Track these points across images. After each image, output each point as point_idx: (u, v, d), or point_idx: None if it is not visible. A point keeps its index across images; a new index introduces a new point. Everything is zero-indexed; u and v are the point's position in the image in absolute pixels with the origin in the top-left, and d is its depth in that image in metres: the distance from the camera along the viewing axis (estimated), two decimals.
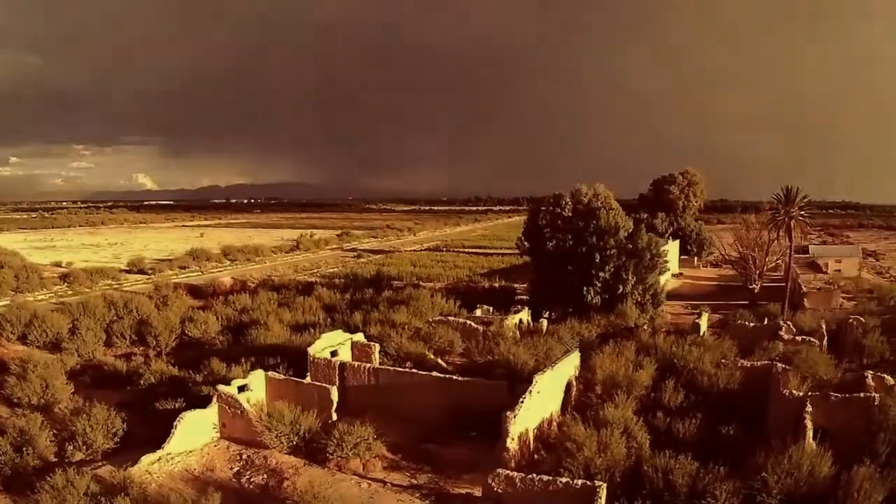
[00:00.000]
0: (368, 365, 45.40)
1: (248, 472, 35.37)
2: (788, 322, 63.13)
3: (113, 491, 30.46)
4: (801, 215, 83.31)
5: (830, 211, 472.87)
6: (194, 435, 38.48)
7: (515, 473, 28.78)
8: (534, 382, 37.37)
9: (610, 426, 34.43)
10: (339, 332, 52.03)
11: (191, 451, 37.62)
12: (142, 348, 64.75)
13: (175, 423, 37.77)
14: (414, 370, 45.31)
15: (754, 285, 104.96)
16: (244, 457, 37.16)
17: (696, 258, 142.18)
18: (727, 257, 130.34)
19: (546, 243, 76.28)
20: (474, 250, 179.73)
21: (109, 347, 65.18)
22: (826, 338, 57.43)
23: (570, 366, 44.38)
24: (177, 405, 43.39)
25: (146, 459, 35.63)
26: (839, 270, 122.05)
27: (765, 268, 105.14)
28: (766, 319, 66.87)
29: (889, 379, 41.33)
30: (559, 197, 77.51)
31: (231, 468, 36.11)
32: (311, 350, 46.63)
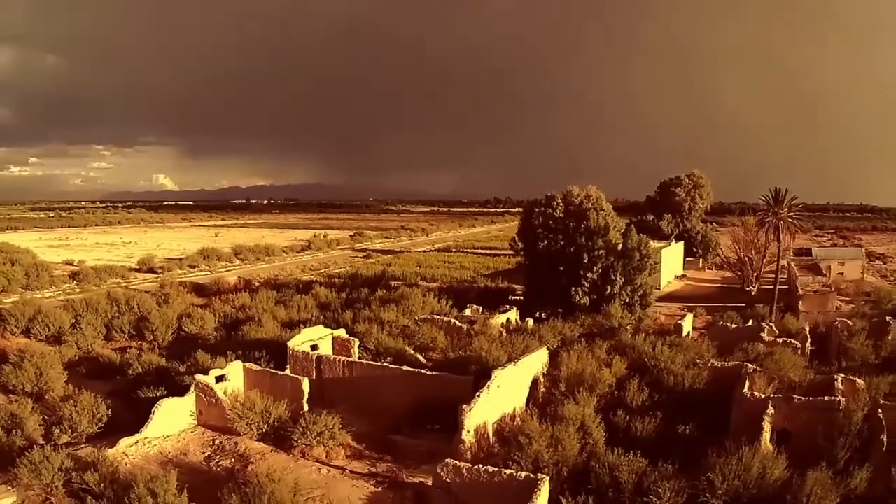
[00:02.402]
0: (343, 358, 47.01)
1: (218, 457, 37.26)
2: (771, 324, 63.41)
3: (85, 467, 32.52)
4: (791, 217, 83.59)
5: (847, 214, 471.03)
6: (172, 421, 40.45)
7: (463, 464, 29.84)
8: (493, 377, 38.44)
9: (565, 422, 35.40)
10: (320, 327, 53.77)
11: (168, 436, 39.60)
12: (139, 343, 67.04)
13: (153, 410, 39.84)
14: (385, 364, 46.95)
15: (751, 287, 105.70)
16: (216, 442, 39.06)
17: (701, 260, 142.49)
18: (725, 259, 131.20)
19: (538, 244, 77.65)
20: (483, 251, 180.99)
21: (109, 342, 67.86)
22: (809, 340, 57.27)
23: (536, 362, 45.48)
24: (158, 393, 45.48)
25: (124, 442, 37.75)
26: (842, 273, 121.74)
27: (762, 270, 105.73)
28: (751, 321, 67.18)
29: (860, 382, 41.18)
30: (551, 198, 78.83)
31: (203, 453, 37.97)
32: (291, 343, 48.44)
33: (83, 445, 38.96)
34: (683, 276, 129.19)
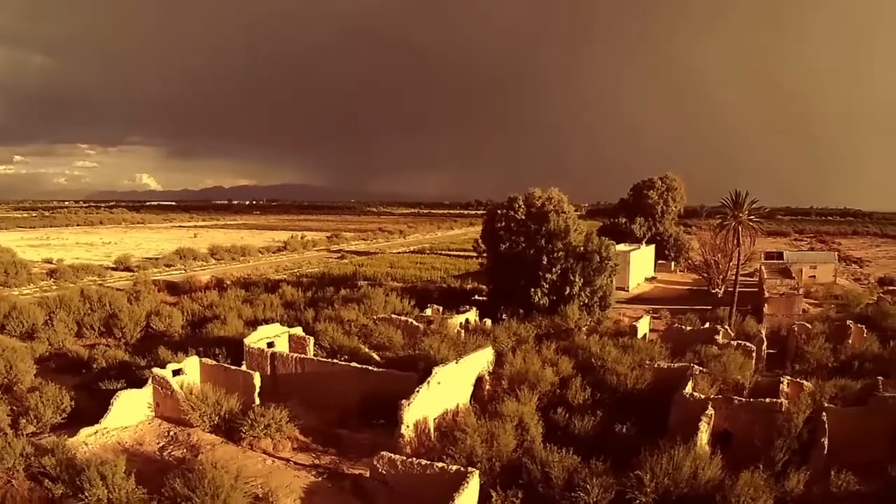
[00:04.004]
0: (295, 355, 48.91)
1: (171, 447, 39.25)
2: (727, 327, 64.85)
3: (44, 453, 34.81)
4: (751, 220, 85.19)
5: (829, 218, 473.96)
6: (130, 412, 42.37)
7: (398, 456, 31.83)
8: (433, 374, 39.93)
9: (502, 419, 37.00)
10: (277, 325, 55.64)
11: (126, 427, 41.48)
12: (109, 339, 68.82)
13: (112, 401, 41.79)
14: (335, 361, 48.44)
15: (717, 290, 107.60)
16: (171, 433, 40.98)
17: (673, 263, 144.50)
18: (691, 262, 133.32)
19: (500, 245, 79.44)
20: (457, 253, 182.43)
21: (80, 338, 69.45)
22: (765, 343, 58.49)
23: (481, 361, 46.94)
24: (118, 386, 47.25)
25: (84, 432, 39.68)
26: (814, 277, 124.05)
27: (728, 272, 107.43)
28: (708, 323, 68.67)
29: (808, 385, 41.85)
30: (513, 200, 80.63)
31: (158, 443, 39.94)
32: (247, 340, 50.44)
33: (47, 435, 40.69)
34: (654, 278, 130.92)
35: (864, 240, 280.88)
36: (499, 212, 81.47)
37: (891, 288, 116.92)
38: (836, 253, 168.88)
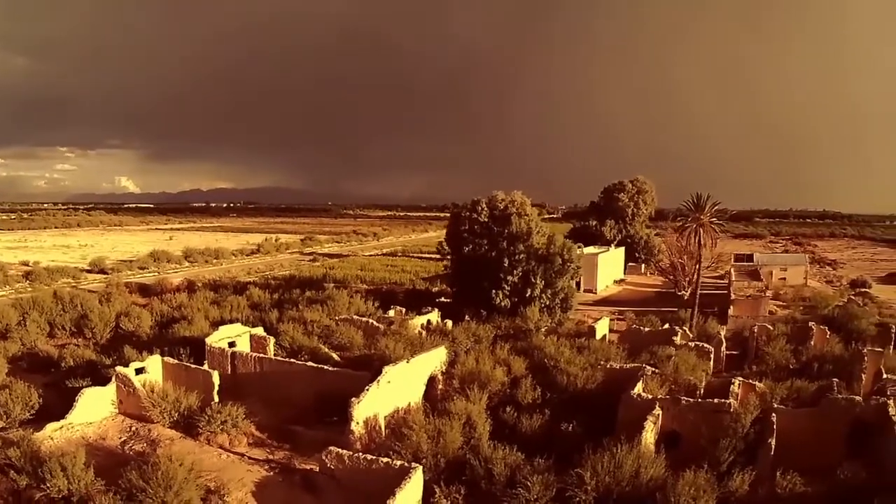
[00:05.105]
0: (254, 354, 50.62)
1: (133, 442, 41.00)
2: (685, 328, 66.05)
3: (9, 446, 36.58)
4: (712, 222, 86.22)
5: (808, 220, 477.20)
6: (94, 409, 44.11)
7: (345, 452, 33.71)
8: (383, 373, 41.52)
9: (450, 417, 38.46)
10: (238, 325, 57.39)
11: (90, 423, 43.22)
12: (80, 339, 70.59)
13: (77, 398, 43.57)
14: (292, 360, 49.91)
15: (684, 292, 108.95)
16: (133, 429, 42.73)
17: (643, 265, 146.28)
18: (657, 265, 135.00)
19: (464, 247, 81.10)
20: (429, 256, 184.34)
21: (52, 338, 71.22)
22: (725, 344, 59.91)
23: (433, 360, 48.47)
24: (84, 384, 48.71)
25: (50, 427, 41.40)
26: (784, 279, 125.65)
27: (694, 274, 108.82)
28: (668, 325, 68.82)
29: (760, 386, 42.62)
30: (476, 202, 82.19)
31: (120, 438, 41.70)
32: (209, 340, 52.15)
33: (15, 429, 42.25)
34: (623, 280, 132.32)
35: (841, 242, 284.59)
36: (462, 214, 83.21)
37: (862, 290, 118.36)
38: (809, 255, 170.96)
